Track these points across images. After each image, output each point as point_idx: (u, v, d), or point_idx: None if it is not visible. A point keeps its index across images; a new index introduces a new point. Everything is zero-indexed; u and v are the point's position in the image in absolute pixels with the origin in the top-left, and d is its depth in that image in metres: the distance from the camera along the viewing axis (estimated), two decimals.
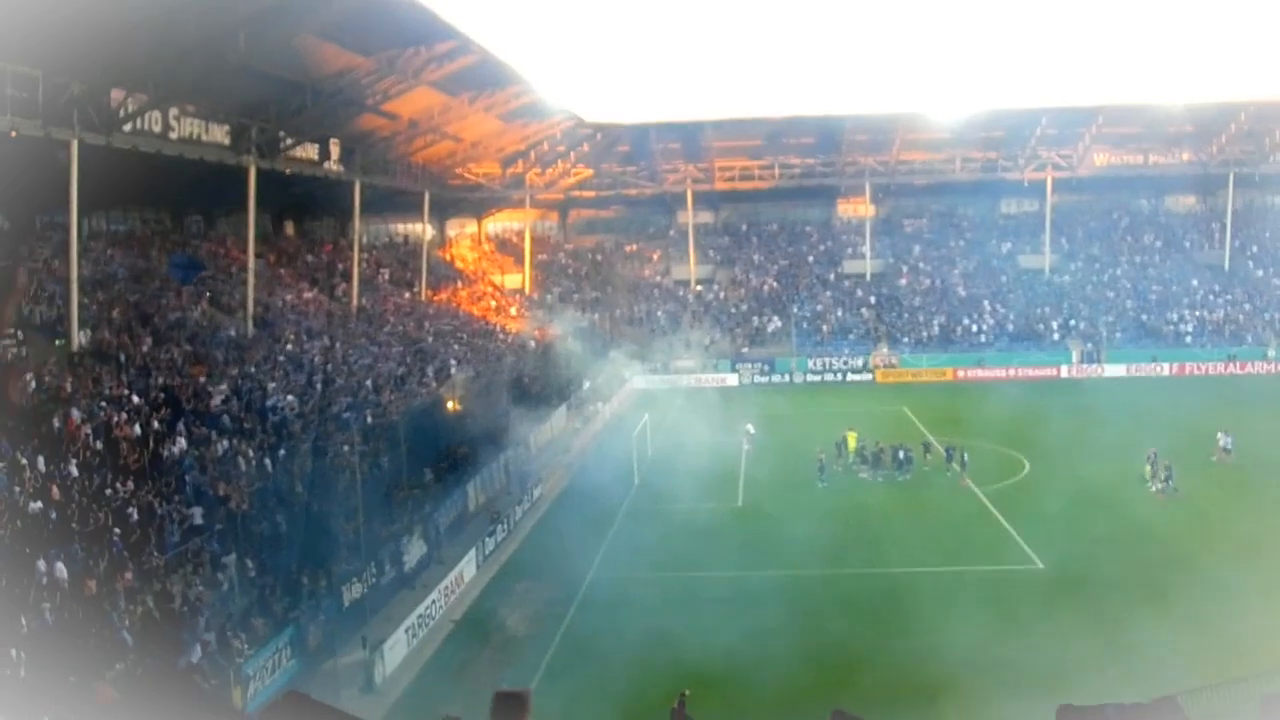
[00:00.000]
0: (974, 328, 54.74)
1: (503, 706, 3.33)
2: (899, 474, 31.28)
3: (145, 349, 25.60)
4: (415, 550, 23.15)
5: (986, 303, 56.34)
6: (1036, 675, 15.70)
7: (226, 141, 29.75)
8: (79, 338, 24.03)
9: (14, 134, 21.46)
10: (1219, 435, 31.85)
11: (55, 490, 16.99)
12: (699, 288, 59.54)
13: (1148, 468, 28.95)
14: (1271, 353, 50.81)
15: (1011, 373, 51.11)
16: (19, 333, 23.45)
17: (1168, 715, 3.41)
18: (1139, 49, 49.82)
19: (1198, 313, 54.31)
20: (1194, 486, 28.21)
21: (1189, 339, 52.87)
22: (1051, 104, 51.04)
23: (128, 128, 25.00)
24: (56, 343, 23.99)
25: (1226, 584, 19.97)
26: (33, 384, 20.56)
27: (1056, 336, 53.64)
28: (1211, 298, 55.26)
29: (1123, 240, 60.77)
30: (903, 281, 58.81)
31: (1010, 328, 54.56)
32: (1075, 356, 52.10)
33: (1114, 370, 50.67)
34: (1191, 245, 60.10)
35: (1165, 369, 50.55)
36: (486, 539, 25.14)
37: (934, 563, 23.03)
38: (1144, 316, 54.51)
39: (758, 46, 64.88)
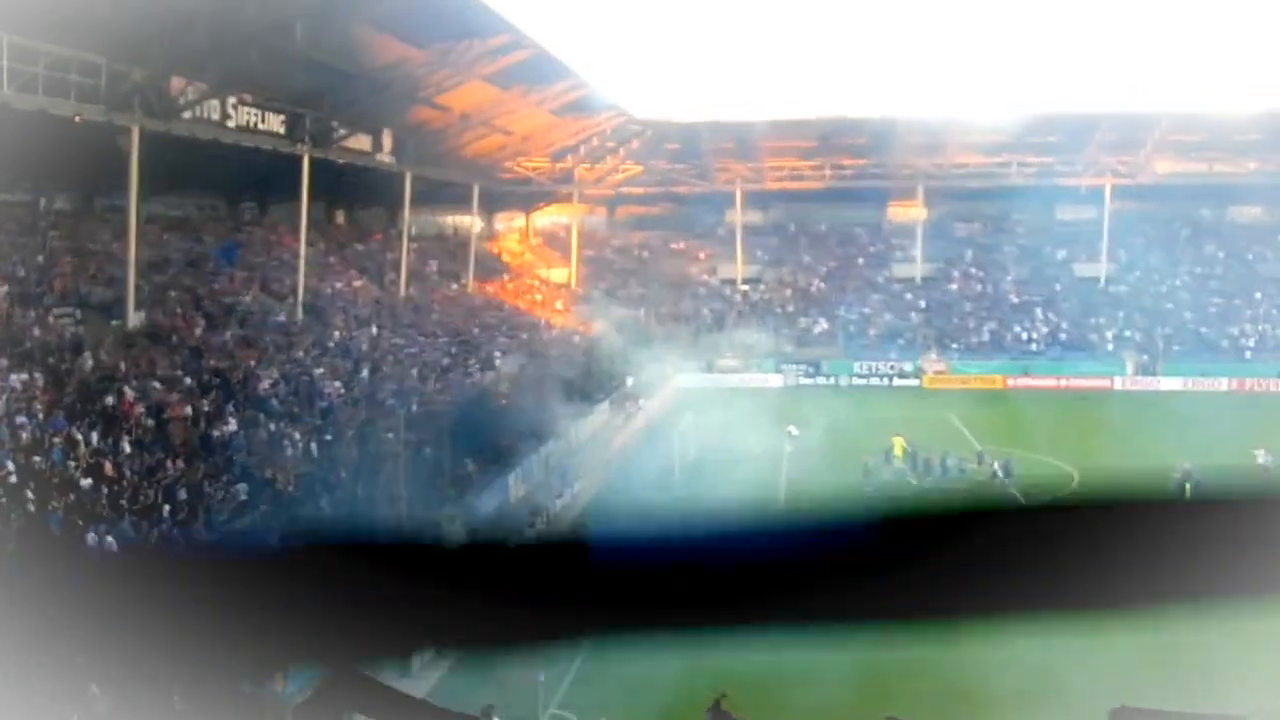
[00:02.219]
0: (1025, 335, 53.65)
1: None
2: (947, 481, 30.74)
3: (198, 332, 26.07)
4: (455, 538, 23.18)
5: (1039, 310, 55.16)
6: (1098, 695, 15.25)
7: (281, 130, 30.19)
8: (134, 319, 24.55)
9: (78, 119, 21.98)
10: (1258, 452, 30.81)
11: (108, 466, 17.34)
12: (745, 287, 59.11)
13: (1182, 484, 28.01)
14: None
15: (1063, 383, 49.98)
16: (77, 312, 24.02)
17: None
18: (1204, 54, 47.93)
19: (1260, 327, 52.67)
20: None
21: (1249, 354, 51.29)
22: (1112, 109, 49.37)
23: (187, 115, 25.49)
24: (113, 323, 24.53)
25: None
26: (90, 362, 21.02)
27: (1110, 347, 52.34)
28: (1276, 312, 53.52)
29: (1183, 250, 59.09)
30: (953, 286, 57.83)
31: (1063, 336, 53.38)
32: (1130, 368, 50.77)
33: (1170, 384, 49.18)
34: (1255, 257, 58.28)
35: (1224, 384, 49.00)
36: (525, 530, 25.17)
37: None
38: (1203, 329, 52.97)
39: (812, 46, 64.30)
